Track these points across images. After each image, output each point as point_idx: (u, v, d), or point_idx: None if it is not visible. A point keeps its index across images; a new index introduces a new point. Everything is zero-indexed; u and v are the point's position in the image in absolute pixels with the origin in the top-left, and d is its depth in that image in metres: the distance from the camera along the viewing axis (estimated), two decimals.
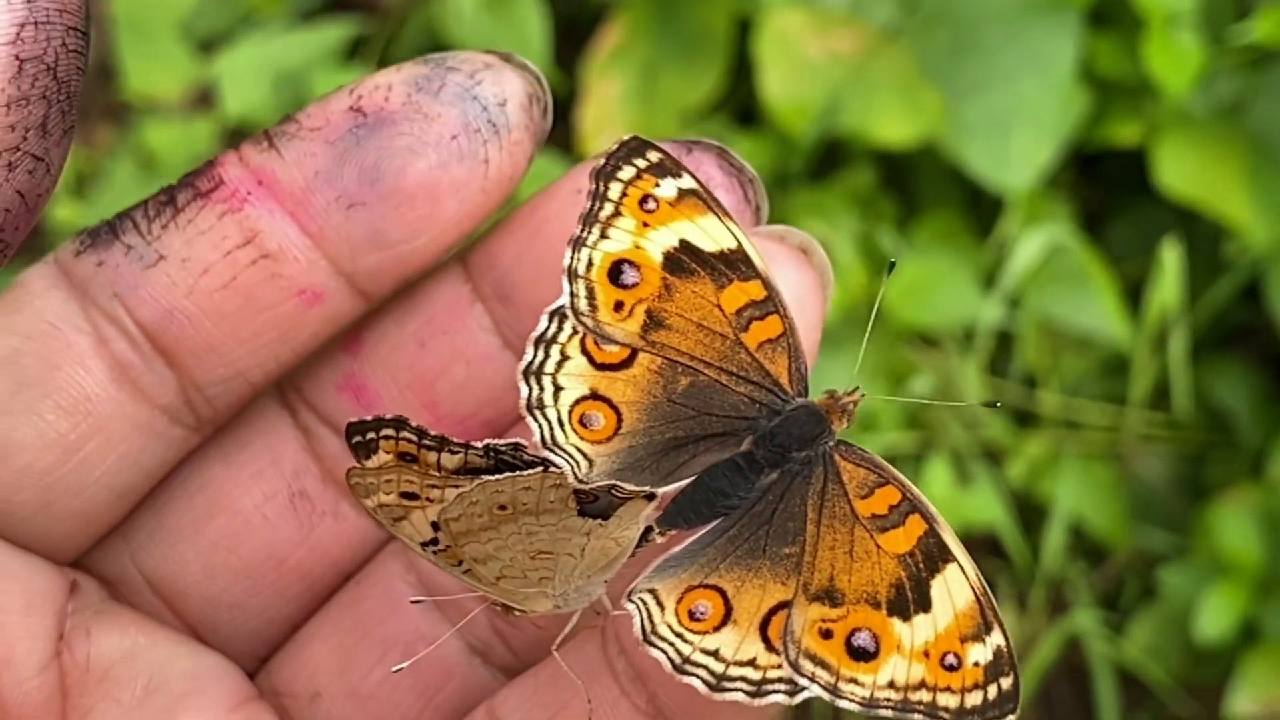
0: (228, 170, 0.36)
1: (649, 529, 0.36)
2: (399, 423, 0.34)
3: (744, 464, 0.36)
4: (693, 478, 0.36)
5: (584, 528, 0.35)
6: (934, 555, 0.34)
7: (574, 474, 0.35)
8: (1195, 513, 1.03)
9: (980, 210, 1.07)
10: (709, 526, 0.36)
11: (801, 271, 0.37)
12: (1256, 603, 0.98)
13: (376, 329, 0.39)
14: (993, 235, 1.04)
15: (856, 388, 0.36)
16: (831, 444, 0.36)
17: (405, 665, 0.37)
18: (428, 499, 0.35)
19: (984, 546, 1.08)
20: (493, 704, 0.37)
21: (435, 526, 0.35)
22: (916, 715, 0.33)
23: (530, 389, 0.35)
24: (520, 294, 0.38)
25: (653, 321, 0.36)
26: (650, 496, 0.34)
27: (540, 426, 0.35)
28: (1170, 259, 0.97)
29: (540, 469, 0.34)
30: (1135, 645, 1.01)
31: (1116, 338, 1.01)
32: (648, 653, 0.34)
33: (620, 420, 0.36)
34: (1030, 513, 1.06)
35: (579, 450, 0.36)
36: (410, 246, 0.36)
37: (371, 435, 0.34)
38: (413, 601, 0.38)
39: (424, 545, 0.36)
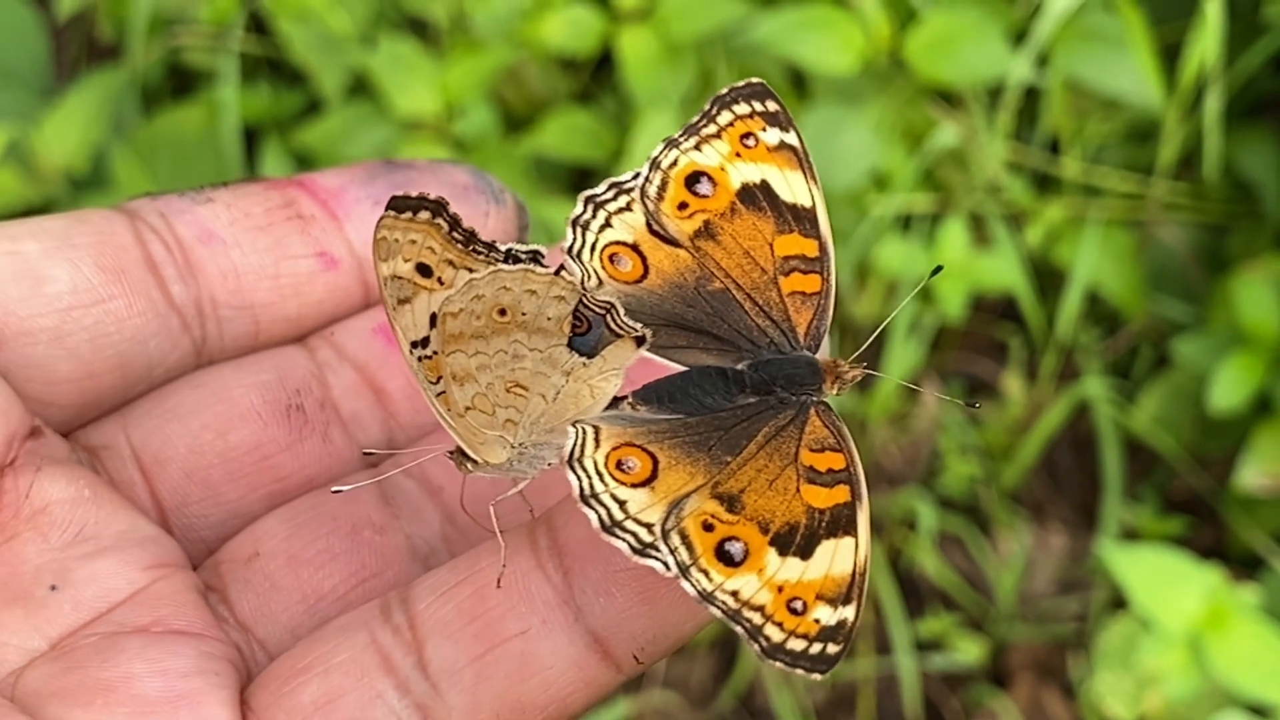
0: (269, 177, 0.43)
1: (619, 399, 0.37)
2: (440, 204, 0.36)
3: (731, 377, 0.38)
4: (682, 369, 0.38)
5: (567, 363, 0.37)
6: (839, 523, 0.35)
7: (583, 284, 0.37)
8: (1215, 284, 1.01)
9: None
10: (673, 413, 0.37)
11: None
12: (1272, 375, 0.96)
13: None
14: None
15: (862, 365, 0.38)
16: (815, 399, 0.37)
17: (345, 489, 0.40)
18: (439, 279, 0.37)
19: (997, 310, 1.06)
20: (407, 587, 0.39)
21: (433, 322, 0.36)
22: (739, 628, 0.34)
23: (584, 210, 0.39)
24: None
25: (707, 231, 0.39)
26: (642, 340, 0.36)
27: (574, 239, 0.38)
28: (1213, 9, 0.92)
29: (552, 273, 0.35)
30: (1145, 414, 1.00)
31: (1149, 99, 0.97)
32: (566, 474, 0.35)
33: (645, 275, 0.38)
34: (1046, 278, 1.03)
35: (597, 272, 0.38)
36: None
37: (410, 211, 0.36)
38: (334, 491, 0.41)
39: (413, 346, 0.37)
